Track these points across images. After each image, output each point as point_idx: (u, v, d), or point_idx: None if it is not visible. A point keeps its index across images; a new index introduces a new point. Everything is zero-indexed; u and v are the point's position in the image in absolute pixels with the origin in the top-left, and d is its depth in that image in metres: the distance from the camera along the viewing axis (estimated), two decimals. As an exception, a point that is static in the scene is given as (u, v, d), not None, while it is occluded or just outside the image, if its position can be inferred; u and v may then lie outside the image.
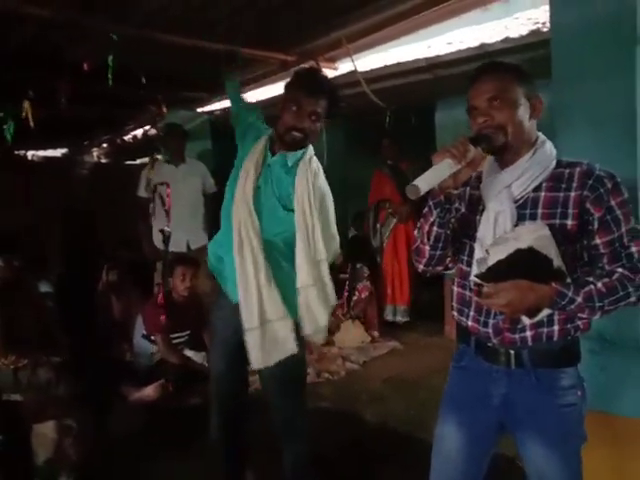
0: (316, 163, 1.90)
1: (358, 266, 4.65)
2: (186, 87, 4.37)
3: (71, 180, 5.98)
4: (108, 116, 5.13)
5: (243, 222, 1.77)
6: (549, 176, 1.31)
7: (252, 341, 1.75)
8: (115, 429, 2.91)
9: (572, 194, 1.27)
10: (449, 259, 1.47)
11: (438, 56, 3.27)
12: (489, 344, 1.36)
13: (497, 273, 1.23)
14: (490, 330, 1.34)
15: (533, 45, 2.88)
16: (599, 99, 2.03)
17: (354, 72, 3.51)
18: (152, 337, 3.38)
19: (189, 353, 3.32)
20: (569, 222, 1.27)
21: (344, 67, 3.87)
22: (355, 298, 4.59)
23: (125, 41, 2.92)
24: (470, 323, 1.39)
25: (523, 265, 1.21)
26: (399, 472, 2.40)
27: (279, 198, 1.83)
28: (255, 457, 2.18)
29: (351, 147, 5.40)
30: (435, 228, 1.37)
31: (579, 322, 1.32)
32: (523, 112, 1.30)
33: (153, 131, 5.50)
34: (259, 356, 1.75)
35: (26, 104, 3.41)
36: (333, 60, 3.76)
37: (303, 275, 1.78)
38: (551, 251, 1.22)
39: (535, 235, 1.23)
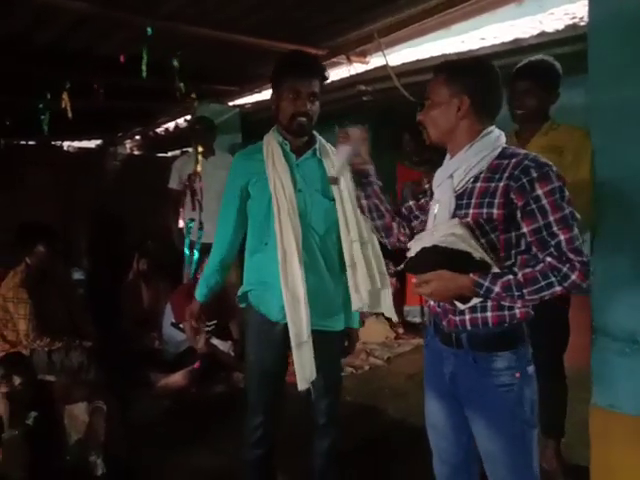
0: (329, 145, 1.95)
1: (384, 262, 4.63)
2: (217, 80, 4.43)
3: (104, 171, 6.13)
4: (141, 109, 5.23)
5: (296, 237, 1.77)
6: (488, 166, 1.36)
7: (303, 356, 1.74)
8: (143, 413, 2.99)
9: (501, 184, 1.32)
10: (397, 231, 1.62)
11: (471, 51, 3.23)
12: (441, 326, 1.47)
13: (414, 266, 1.37)
14: (441, 311, 1.46)
15: (569, 40, 2.82)
16: (637, 96, 1.99)
17: (385, 67, 3.50)
18: (181, 325, 3.45)
19: (215, 342, 3.38)
20: (495, 211, 1.32)
21: (374, 62, 3.86)
22: (381, 294, 4.58)
23: (158, 34, 2.98)
24: (431, 304, 1.52)
25: (433, 260, 1.32)
26: (418, 467, 2.40)
27: (322, 192, 1.86)
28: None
29: (378, 142, 5.38)
30: (363, 201, 1.61)
31: (516, 311, 1.37)
32: (445, 111, 1.39)
33: (184, 124, 5.59)
34: (308, 371, 1.75)
35: (64, 95, 3.50)
36: (364, 54, 3.76)
37: (347, 255, 1.85)
38: (465, 246, 1.30)
39: (443, 233, 1.31)
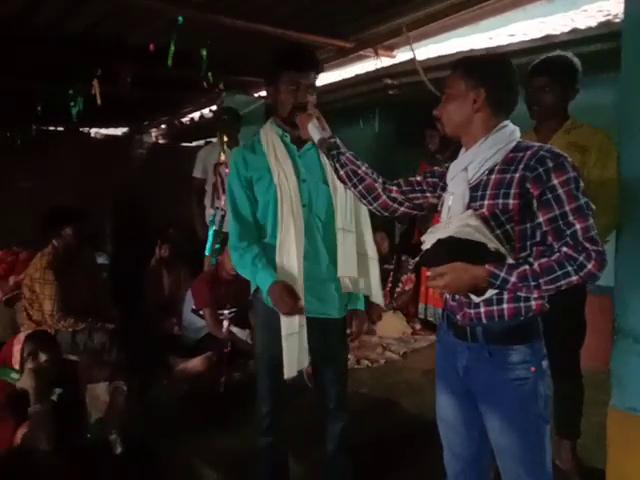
0: None
1: (403, 258, 4.64)
2: (243, 71, 4.47)
3: (130, 158, 6.23)
4: (167, 98, 5.30)
5: (296, 228, 1.79)
6: (503, 159, 1.37)
7: (291, 346, 1.78)
8: (162, 395, 3.06)
9: (516, 175, 1.33)
10: (383, 192, 1.63)
11: (499, 47, 3.19)
12: (455, 320, 1.47)
13: (430, 259, 1.37)
14: (455, 305, 1.46)
15: (602, 37, 2.77)
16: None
17: (411, 61, 3.48)
18: (201, 312, 3.51)
19: (234, 329, 3.43)
20: (510, 202, 1.33)
21: (401, 56, 3.85)
22: (398, 289, 4.59)
23: (186, 24, 3.01)
24: (445, 298, 1.53)
25: (448, 252, 1.32)
26: (432, 461, 2.41)
27: (324, 181, 1.89)
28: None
29: (401, 137, 5.36)
30: (341, 172, 1.67)
31: (532, 303, 1.37)
32: (461, 104, 1.41)
33: (209, 114, 5.65)
34: (295, 360, 1.79)
35: (95, 83, 3.57)
36: (391, 48, 3.75)
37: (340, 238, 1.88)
38: (481, 237, 1.30)
39: (458, 224, 1.31)
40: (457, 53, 3.42)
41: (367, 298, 2.04)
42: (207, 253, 3.92)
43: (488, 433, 1.45)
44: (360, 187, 1.64)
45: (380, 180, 1.65)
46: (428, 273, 1.37)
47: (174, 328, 3.88)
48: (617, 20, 2.66)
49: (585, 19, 2.99)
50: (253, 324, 3.61)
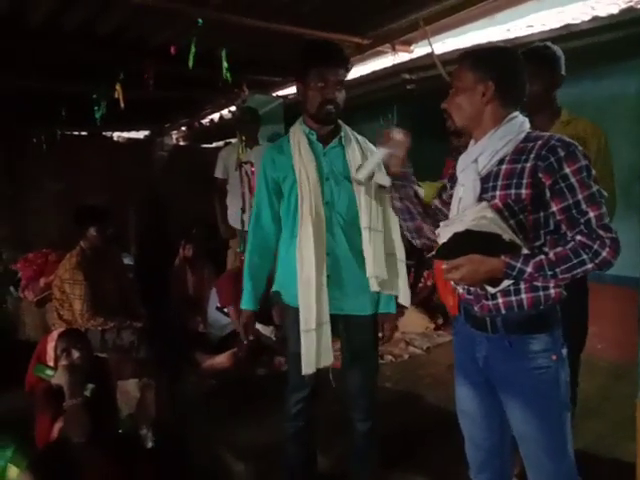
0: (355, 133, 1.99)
1: (425, 253, 4.62)
2: (261, 71, 4.50)
3: (152, 160, 6.33)
4: (187, 100, 5.37)
5: (315, 225, 1.81)
6: (513, 150, 1.37)
7: (308, 342, 1.80)
8: (190, 391, 3.12)
9: (528, 165, 1.33)
10: (427, 232, 1.59)
11: (517, 38, 3.17)
12: (473, 311, 1.47)
13: (446, 253, 1.37)
14: (472, 297, 1.46)
15: (624, 24, 2.73)
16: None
17: (429, 55, 3.48)
18: (225, 309, 3.56)
19: (258, 326, 3.47)
20: (523, 191, 1.33)
21: (418, 51, 3.84)
22: (420, 285, 4.58)
23: (205, 25, 3.05)
24: (460, 291, 1.51)
25: (464, 245, 1.32)
26: (455, 453, 2.42)
27: (348, 179, 1.90)
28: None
29: (420, 132, 5.33)
30: (397, 202, 1.61)
31: (551, 291, 1.37)
32: (470, 97, 1.41)
33: (228, 115, 5.71)
34: (313, 357, 1.80)
35: (118, 86, 3.64)
36: (409, 43, 3.74)
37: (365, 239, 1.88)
38: (496, 228, 1.30)
39: (473, 217, 1.31)
40: (474, 46, 3.40)
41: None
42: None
43: (510, 421, 1.46)
44: (409, 224, 1.62)
45: (428, 220, 1.60)
46: (444, 266, 1.37)
47: (199, 326, 3.94)
48: (639, 6, 2.62)
49: (606, 6, 2.94)
50: (276, 321, 3.69)
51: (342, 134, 1.94)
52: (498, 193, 1.36)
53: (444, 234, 1.39)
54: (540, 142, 1.33)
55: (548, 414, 1.39)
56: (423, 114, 5.28)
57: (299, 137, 1.90)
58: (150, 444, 2.44)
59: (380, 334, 2.02)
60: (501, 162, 1.39)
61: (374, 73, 4.14)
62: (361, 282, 1.91)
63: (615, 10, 2.80)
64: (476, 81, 1.39)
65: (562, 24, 3.02)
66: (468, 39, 3.53)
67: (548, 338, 1.38)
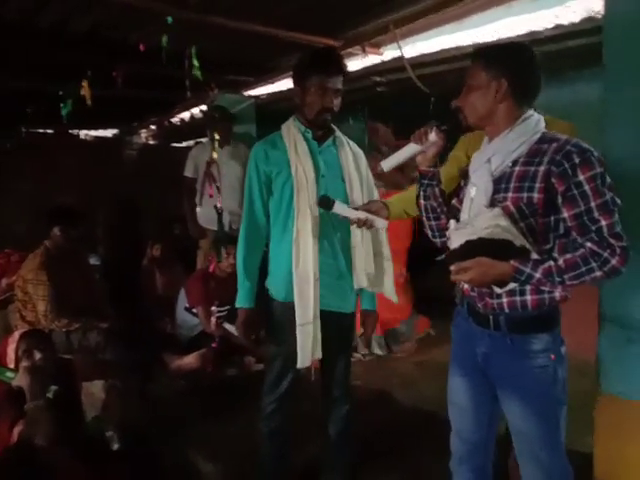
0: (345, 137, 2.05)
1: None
2: (233, 71, 4.48)
3: (120, 160, 6.22)
4: (156, 98, 5.30)
5: (313, 220, 1.84)
6: (527, 151, 1.37)
7: (305, 336, 1.83)
8: (158, 392, 3.08)
9: (541, 168, 1.32)
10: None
11: (485, 43, 3.24)
12: (476, 308, 1.48)
13: (455, 258, 1.37)
14: (476, 294, 1.47)
15: (585, 32, 2.83)
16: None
17: (399, 58, 3.52)
18: (194, 310, 3.53)
19: (227, 326, 3.45)
20: (535, 195, 1.32)
21: (388, 53, 3.89)
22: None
23: (174, 24, 3.02)
24: (465, 287, 1.52)
25: (476, 252, 1.32)
26: (428, 449, 2.46)
27: (341, 177, 1.95)
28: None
29: (392, 134, 5.40)
30: (422, 201, 1.62)
31: (556, 294, 1.39)
32: (483, 95, 1.40)
33: (199, 114, 5.66)
34: (309, 351, 1.84)
35: (84, 84, 3.57)
36: (379, 46, 3.78)
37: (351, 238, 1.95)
38: (509, 235, 1.30)
39: (487, 225, 1.31)
40: (443, 50, 3.48)
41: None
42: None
43: (507, 417, 1.48)
44: (432, 222, 1.62)
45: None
46: (452, 267, 1.37)
47: (168, 327, 3.89)
48: (599, 16, 2.71)
49: (569, 15, 3.04)
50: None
51: (336, 134, 1.99)
52: (510, 195, 1.36)
53: (455, 239, 1.39)
54: (555, 145, 1.32)
55: (545, 411, 1.41)
56: (392, 116, 5.37)
57: (294, 134, 1.92)
58: (116, 446, 2.39)
59: (362, 330, 2.12)
60: (515, 163, 1.37)
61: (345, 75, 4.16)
62: (347, 280, 1.97)
63: (577, 19, 2.90)
64: (489, 79, 1.38)
65: (528, 31, 3.10)
66: (437, 43, 3.59)
67: (549, 338, 1.40)
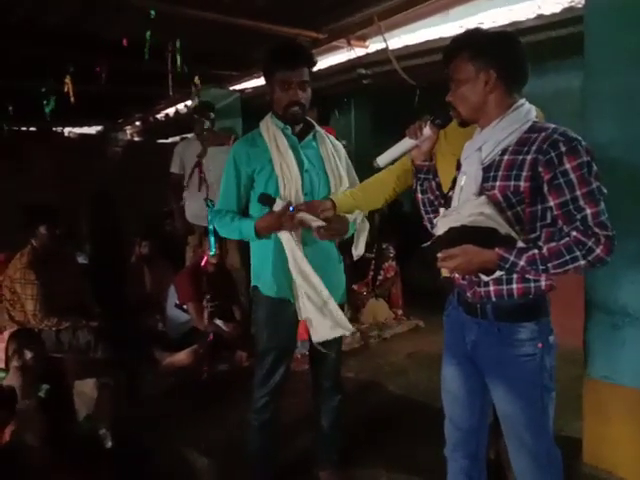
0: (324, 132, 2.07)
1: (384, 246, 4.71)
2: (218, 65, 4.45)
3: (105, 157, 6.15)
4: (141, 94, 5.25)
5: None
6: (517, 140, 1.37)
7: (318, 317, 1.88)
8: (150, 389, 3.07)
9: (529, 157, 1.32)
10: None
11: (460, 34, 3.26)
12: (465, 297, 1.50)
13: (439, 245, 1.38)
14: (466, 283, 1.49)
15: (565, 22, 2.86)
16: (633, 78, 2.03)
17: (384, 50, 3.53)
18: (184, 306, 3.52)
19: (217, 322, 3.45)
20: (522, 184, 1.33)
21: (373, 46, 3.89)
22: (380, 277, 4.65)
23: (160, 18, 3.00)
24: (455, 275, 1.53)
25: (461, 239, 1.34)
26: (418, 439, 2.49)
27: (324, 170, 1.97)
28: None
29: (379, 126, 5.42)
30: (419, 195, 1.64)
31: (542, 282, 1.40)
32: (473, 87, 1.40)
33: (184, 110, 5.62)
34: (323, 329, 1.89)
35: (67, 80, 3.53)
36: (363, 38, 3.79)
37: None
38: (493, 223, 1.31)
39: (470, 212, 1.32)
40: (428, 42, 3.49)
41: None
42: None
43: (495, 402, 1.50)
44: (431, 216, 1.63)
45: None
46: (439, 254, 1.38)
47: (158, 324, 3.87)
48: (579, 6, 2.74)
49: (550, 5, 3.07)
50: (238, 317, 3.68)
51: (316, 129, 2.00)
52: (498, 184, 1.36)
53: (440, 226, 1.40)
54: (543, 134, 1.32)
55: (531, 397, 1.43)
56: (379, 108, 5.39)
57: (274, 130, 1.92)
58: (109, 444, 2.39)
59: None
60: (504, 152, 1.38)
61: (330, 68, 4.17)
62: (337, 272, 2.01)
63: (558, 9, 2.93)
64: (477, 71, 1.38)
65: (510, 21, 3.13)
66: (422, 35, 3.60)
67: (535, 327, 1.41)
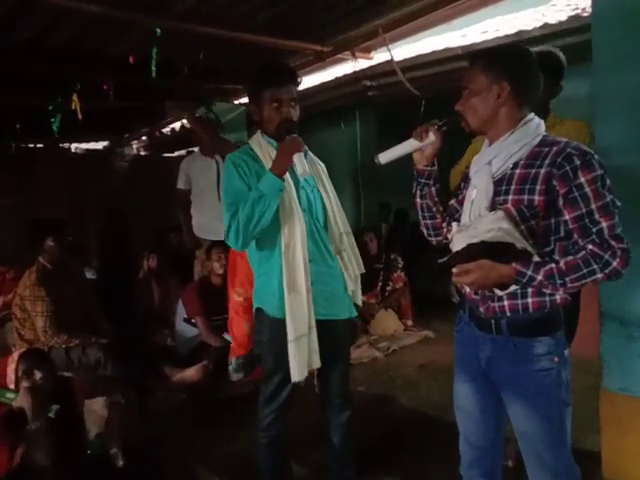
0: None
1: (392, 256, 4.69)
2: (223, 79, 4.48)
3: (112, 172, 6.20)
4: (147, 109, 5.28)
5: (302, 231, 1.83)
6: (528, 154, 1.37)
7: (300, 349, 1.81)
8: (160, 406, 3.06)
9: (542, 171, 1.32)
10: (445, 231, 1.62)
11: (473, 44, 3.26)
12: (478, 312, 1.48)
13: (457, 260, 1.37)
14: (479, 298, 1.46)
15: (571, 31, 2.85)
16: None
17: (388, 62, 3.54)
18: (193, 320, 3.51)
19: (227, 337, 3.43)
20: (536, 198, 1.33)
21: (378, 57, 3.90)
22: (389, 288, 4.63)
23: (166, 35, 3.02)
24: (467, 291, 1.51)
25: (478, 254, 1.33)
26: (431, 453, 2.45)
27: (317, 187, 1.95)
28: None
29: (384, 138, 5.43)
30: (418, 200, 1.63)
31: (557, 296, 1.38)
32: (484, 99, 1.39)
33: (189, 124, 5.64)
34: (305, 364, 1.83)
35: (74, 97, 3.56)
36: (368, 50, 3.80)
37: (334, 245, 1.96)
38: (511, 238, 1.30)
39: (489, 228, 1.31)
40: (432, 52, 3.50)
41: None
42: None
43: (512, 419, 1.48)
44: (428, 221, 1.64)
45: (447, 219, 1.62)
46: (454, 270, 1.37)
47: (167, 339, 3.86)
48: (585, 14, 2.74)
49: (555, 13, 3.07)
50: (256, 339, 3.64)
51: (306, 148, 1.93)
52: (511, 197, 1.36)
53: (457, 241, 1.38)
54: (556, 149, 1.32)
55: (549, 413, 1.41)
56: (384, 119, 5.39)
57: (267, 149, 1.90)
58: (121, 463, 2.37)
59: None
60: (515, 166, 1.37)
61: (335, 80, 4.18)
62: (339, 287, 1.97)
63: (563, 17, 2.93)
64: (490, 83, 1.38)
65: (515, 30, 3.13)
66: (426, 45, 3.61)
67: (551, 341, 1.39)
